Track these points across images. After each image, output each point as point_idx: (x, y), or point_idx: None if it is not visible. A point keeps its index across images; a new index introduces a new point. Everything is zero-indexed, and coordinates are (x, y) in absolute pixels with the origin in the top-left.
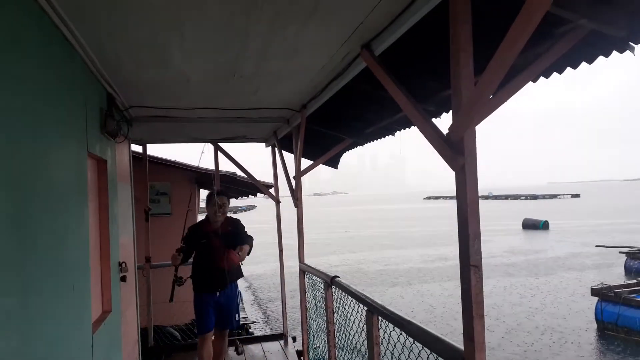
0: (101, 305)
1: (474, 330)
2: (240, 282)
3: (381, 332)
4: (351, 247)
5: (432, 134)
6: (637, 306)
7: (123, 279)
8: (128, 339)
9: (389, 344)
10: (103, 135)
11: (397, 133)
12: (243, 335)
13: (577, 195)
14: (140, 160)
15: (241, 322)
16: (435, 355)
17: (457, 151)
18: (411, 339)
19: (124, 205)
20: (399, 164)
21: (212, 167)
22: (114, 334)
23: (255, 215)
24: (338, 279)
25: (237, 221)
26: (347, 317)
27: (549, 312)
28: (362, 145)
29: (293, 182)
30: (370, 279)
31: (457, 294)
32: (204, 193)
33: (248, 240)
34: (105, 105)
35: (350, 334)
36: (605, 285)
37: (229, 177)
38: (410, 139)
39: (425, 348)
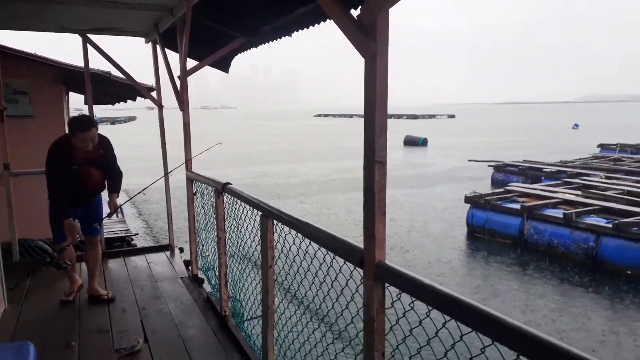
0: None
1: (375, 228)
2: (123, 197)
3: (276, 236)
4: (245, 161)
5: (341, 16)
6: (502, 212)
7: None
8: None
9: (284, 248)
10: None
11: (295, 34)
12: (124, 248)
13: (452, 116)
14: None
15: (124, 235)
16: (332, 255)
17: (369, 36)
18: (307, 241)
19: None
20: (292, 79)
21: (82, 64)
22: None
23: (136, 128)
24: (230, 185)
25: (106, 141)
26: (239, 224)
27: (428, 216)
28: (256, 46)
29: (178, 82)
30: (269, 191)
31: (359, 203)
32: (73, 97)
33: (117, 178)
34: None
35: (242, 241)
36: (477, 194)
37: (102, 77)
38: (306, 56)
39: (321, 248)
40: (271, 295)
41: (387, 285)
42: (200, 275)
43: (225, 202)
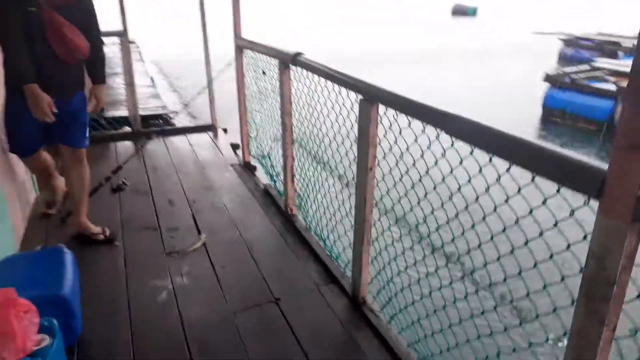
0: None
1: None
2: (151, 68)
3: (380, 132)
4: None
5: None
6: (590, 93)
7: None
8: None
9: (396, 144)
10: None
11: None
12: (163, 127)
13: None
14: None
15: (161, 113)
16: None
17: None
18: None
19: None
20: None
21: None
22: None
23: None
24: (302, 56)
25: None
26: (313, 109)
27: (489, 98)
28: None
29: None
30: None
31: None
32: None
33: (96, 54)
34: None
35: (318, 129)
36: (560, 72)
37: None
38: None
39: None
40: (370, 203)
41: None
42: (253, 162)
43: (294, 78)
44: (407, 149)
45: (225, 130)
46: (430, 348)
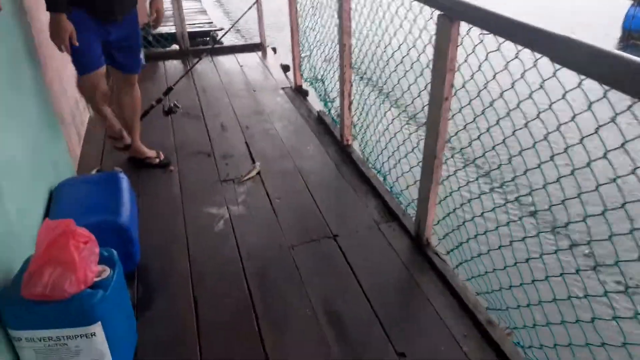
0: None
1: None
2: None
3: (460, 53)
4: None
5: None
6: None
7: None
8: None
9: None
10: None
11: None
12: (210, 45)
13: None
14: None
15: (209, 30)
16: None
17: None
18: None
19: None
20: None
21: None
22: None
23: None
24: None
25: None
26: (376, 26)
27: (560, 18)
28: None
29: None
30: None
31: None
32: None
33: None
34: None
35: (382, 52)
36: None
37: None
38: None
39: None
40: (442, 138)
41: None
42: (305, 87)
43: None
44: (494, 77)
45: (274, 50)
46: (505, 301)
